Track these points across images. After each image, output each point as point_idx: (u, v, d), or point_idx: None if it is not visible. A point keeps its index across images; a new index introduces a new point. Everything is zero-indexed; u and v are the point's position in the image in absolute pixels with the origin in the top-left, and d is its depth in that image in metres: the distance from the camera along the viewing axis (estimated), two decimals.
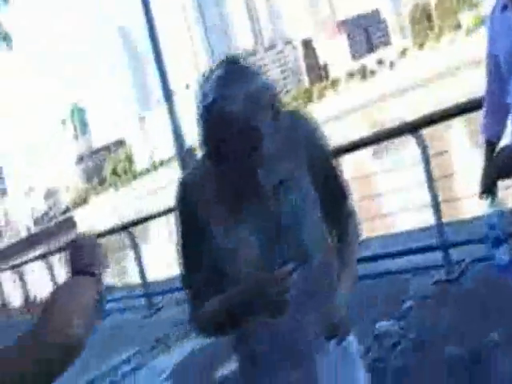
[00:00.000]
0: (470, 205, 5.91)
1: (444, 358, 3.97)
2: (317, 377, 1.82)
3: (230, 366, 5.34)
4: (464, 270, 5.17)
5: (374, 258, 4.90)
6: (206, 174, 1.70)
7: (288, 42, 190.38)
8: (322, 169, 1.82)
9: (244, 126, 1.54)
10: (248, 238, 1.72)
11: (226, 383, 5.04)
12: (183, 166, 7.70)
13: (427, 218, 5.54)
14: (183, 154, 7.77)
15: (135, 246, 8.90)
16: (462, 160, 10.28)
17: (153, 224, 9.62)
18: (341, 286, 1.78)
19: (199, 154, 1.72)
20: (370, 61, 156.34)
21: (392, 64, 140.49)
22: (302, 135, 1.77)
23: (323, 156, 1.82)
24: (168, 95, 7.59)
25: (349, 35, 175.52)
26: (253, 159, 1.60)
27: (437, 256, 5.40)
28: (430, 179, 5.35)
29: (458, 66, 73.64)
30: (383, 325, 4.62)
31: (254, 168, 1.62)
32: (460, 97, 5.48)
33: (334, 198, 1.87)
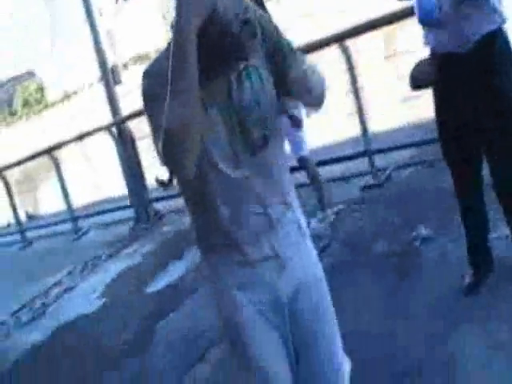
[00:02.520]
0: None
1: (372, 255, 4.12)
2: (276, 248, 1.84)
3: (160, 283, 5.40)
4: (388, 176, 5.32)
5: (304, 167, 4.95)
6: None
7: None
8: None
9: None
10: (215, 119, 1.70)
11: (158, 297, 5.09)
12: (108, 86, 7.57)
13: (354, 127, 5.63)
14: (107, 73, 7.62)
15: (58, 169, 8.68)
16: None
17: (63, 153, 9.27)
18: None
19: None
20: None
21: None
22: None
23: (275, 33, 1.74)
24: (91, 17, 7.50)
25: None
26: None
27: (363, 164, 5.53)
28: (356, 89, 5.44)
29: None
30: (313, 227, 4.71)
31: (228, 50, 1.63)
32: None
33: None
